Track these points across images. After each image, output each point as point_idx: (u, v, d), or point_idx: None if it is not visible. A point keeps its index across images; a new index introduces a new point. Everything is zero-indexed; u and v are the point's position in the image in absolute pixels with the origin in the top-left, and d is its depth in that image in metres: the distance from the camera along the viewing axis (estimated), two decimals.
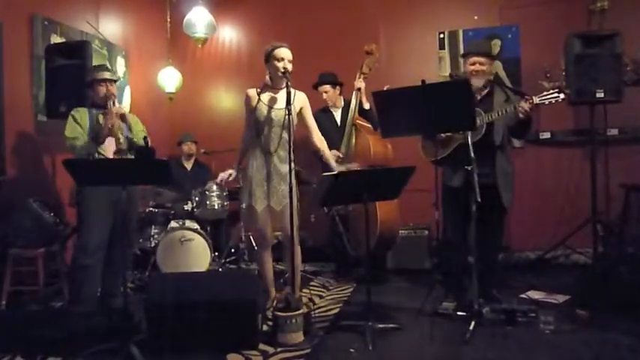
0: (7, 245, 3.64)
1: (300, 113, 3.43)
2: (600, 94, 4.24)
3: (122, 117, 3.45)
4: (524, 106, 3.13)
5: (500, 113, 3.26)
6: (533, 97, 3.13)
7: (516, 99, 3.31)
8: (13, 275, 3.64)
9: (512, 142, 5.04)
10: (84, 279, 3.41)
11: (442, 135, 3.41)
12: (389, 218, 4.11)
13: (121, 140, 3.41)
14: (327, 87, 4.49)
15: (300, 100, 3.43)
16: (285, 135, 3.29)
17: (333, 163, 3.57)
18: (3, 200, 3.79)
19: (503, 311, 3.12)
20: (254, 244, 5.12)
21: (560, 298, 3.48)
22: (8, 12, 3.94)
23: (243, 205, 3.43)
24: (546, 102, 3.12)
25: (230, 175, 3.47)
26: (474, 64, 3.44)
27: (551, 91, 3.13)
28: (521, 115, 3.17)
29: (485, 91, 3.46)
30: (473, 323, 2.91)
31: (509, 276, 4.22)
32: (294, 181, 3.13)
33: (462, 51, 5.24)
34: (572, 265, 4.59)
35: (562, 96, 3.10)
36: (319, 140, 3.55)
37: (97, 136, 3.38)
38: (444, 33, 5.40)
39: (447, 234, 3.73)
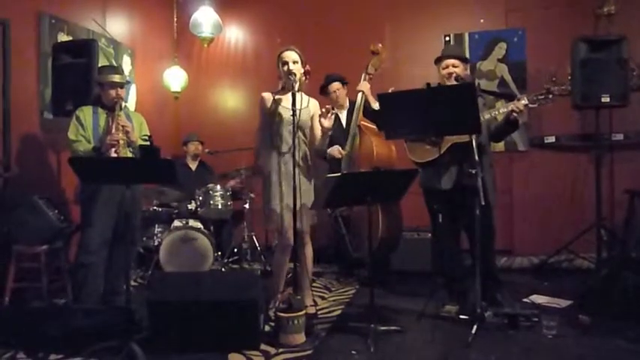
0: (11, 241, 3.65)
1: (312, 118, 3.48)
2: (606, 99, 4.23)
3: (127, 132, 3.44)
4: (519, 105, 3.16)
5: (493, 114, 3.28)
6: (526, 98, 3.18)
7: (491, 101, 3.33)
8: (17, 271, 3.64)
9: (517, 145, 5.08)
10: (86, 277, 3.43)
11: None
12: (392, 221, 4.10)
13: (123, 154, 3.40)
14: (338, 84, 4.47)
15: (314, 105, 3.51)
16: (301, 135, 3.35)
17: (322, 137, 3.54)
18: (8, 197, 3.80)
19: (506, 315, 3.12)
20: (256, 245, 5.15)
21: (563, 303, 3.47)
22: (16, 10, 3.96)
23: (265, 206, 3.44)
24: (537, 103, 3.17)
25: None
26: (447, 67, 3.47)
27: (541, 92, 3.16)
28: (515, 115, 3.19)
29: None
30: (475, 327, 2.89)
31: (512, 280, 4.21)
32: (297, 181, 3.14)
33: (467, 54, 5.24)
34: (575, 270, 4.58)
35: (551, 96, 3.14)
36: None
37: (100, 146, 3.39)
38: (449, 36, 5.39)
39: (438, 238, 3.71)
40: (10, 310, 3.41)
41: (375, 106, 4.25)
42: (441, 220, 3.56)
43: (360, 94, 4.17)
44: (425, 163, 3.48)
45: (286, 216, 3.32)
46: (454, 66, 3.45)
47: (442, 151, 3.36)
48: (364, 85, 4.15)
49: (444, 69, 3.49)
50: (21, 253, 3.65)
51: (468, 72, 3.60)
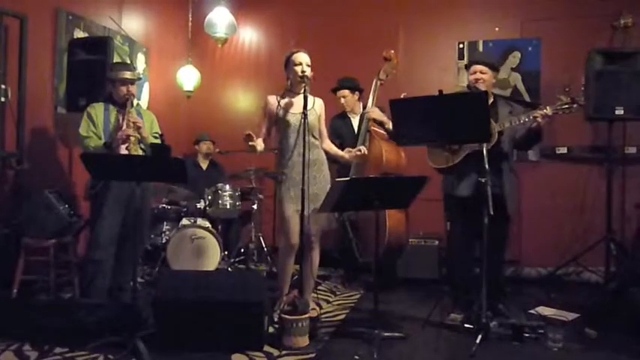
0: (21, 234, 3.68)
1: (319, 119, 3.48)
2: (620, 112, 4.19)
3: (138, 129, 3.45)
4: (540, 114, 3.16)
5: (513, 122, 3.26)
6: (547, 107, 3.17)
7: (520, 111, 3.36)
8: (25, 264, 3.67)
9: (528, 155, 5.04)
10: (94, 272, 3.46)
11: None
12: (398, 227, 4.09)
13: (134, 151, 3.42)
14: (346, 92, 4.49)
15: (320, 105, 3.50)
16: (311, 139, 3.33)
17: (345, 155, 3.55)
18: (19, 189, 3.84)
19: (511, 326, 3.09)
20: (263, 246, 5.15)
21: (570, 316, 3.44)
22: (33, 5, 4.00)
23: (279, 210, 3.47)
24: (560, 112, 3.16)
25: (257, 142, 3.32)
26: (474, 72, 3.47)
27: (564, 101, 3.16)
28: (534, 125, 3.19)
29: (490, 101, 3.46)
30: (480, 336, 2.88)
31: (519, 291, 4.18)
32: (306, 185, 3.14)
33: None
34: (583, 283, 4.53)
35: (575, 106, 3.14)
36: (327, 145, 3.58)
37: (111, 142, 3.42)
38: (463, 43, 5.38)
39: (451, 245, 3.70)
40: (18, 303, 3.44)
41: (388, 126, 4.26)
42: (449, 227, 3.56)
43: (366, 121, 4.18)
44: (443, 170, 3.48)
45: (293, 219, 3.32)
46: (482, 72, 3.45)
47: (456, 161, 3.36)
48: (375, 112, 4.16)
49: (471, 75, 3.50)
50: (30, 246, 3.68)
51: (495, 80, 3.57)
